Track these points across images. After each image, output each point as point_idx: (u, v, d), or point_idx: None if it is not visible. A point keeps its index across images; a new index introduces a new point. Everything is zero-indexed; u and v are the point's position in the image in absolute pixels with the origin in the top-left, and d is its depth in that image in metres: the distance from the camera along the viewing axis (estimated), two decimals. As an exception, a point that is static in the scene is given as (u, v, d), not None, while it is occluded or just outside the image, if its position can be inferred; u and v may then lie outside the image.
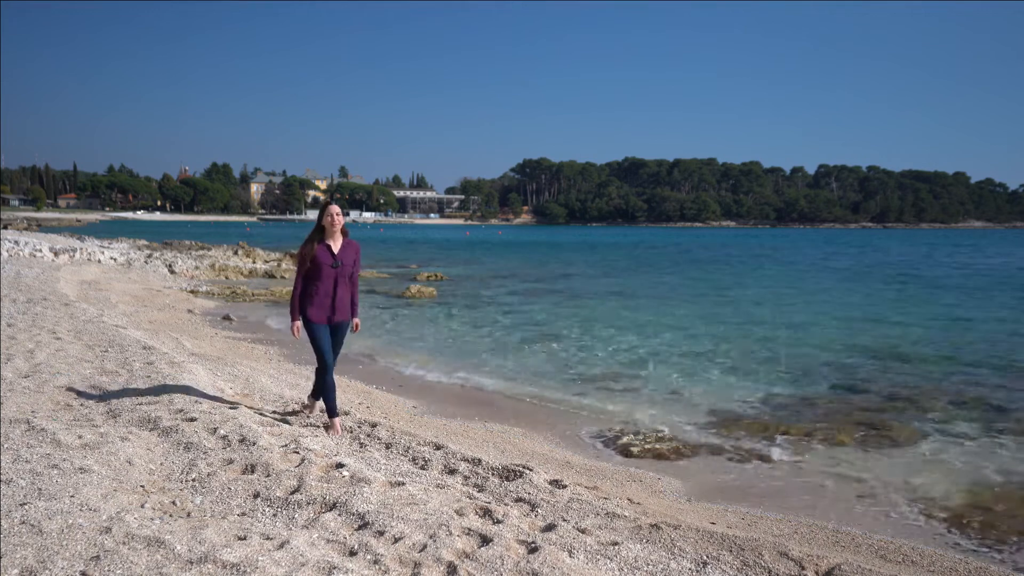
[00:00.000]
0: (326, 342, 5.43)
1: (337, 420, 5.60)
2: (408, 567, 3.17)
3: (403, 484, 4.21)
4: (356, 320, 5.62)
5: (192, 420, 5.30)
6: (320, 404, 5.99)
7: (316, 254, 5.30)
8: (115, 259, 23.74)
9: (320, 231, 5.41)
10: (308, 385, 7.81)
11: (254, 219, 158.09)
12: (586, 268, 32.08)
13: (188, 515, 3.67)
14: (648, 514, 4.20)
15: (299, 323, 5.38)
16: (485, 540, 3.46)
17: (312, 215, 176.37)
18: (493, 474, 4.71)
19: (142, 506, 3.70)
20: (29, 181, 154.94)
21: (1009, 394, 8.52)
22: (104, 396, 6.01)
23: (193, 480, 4.20)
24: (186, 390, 6.29)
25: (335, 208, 5.40)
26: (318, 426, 5.68)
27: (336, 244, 5.40)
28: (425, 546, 3.35)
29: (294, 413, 6.03)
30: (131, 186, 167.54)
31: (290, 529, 3.54)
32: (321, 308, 5.37)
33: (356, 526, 3.59)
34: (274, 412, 6.04)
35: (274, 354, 9.82)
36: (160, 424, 5.18)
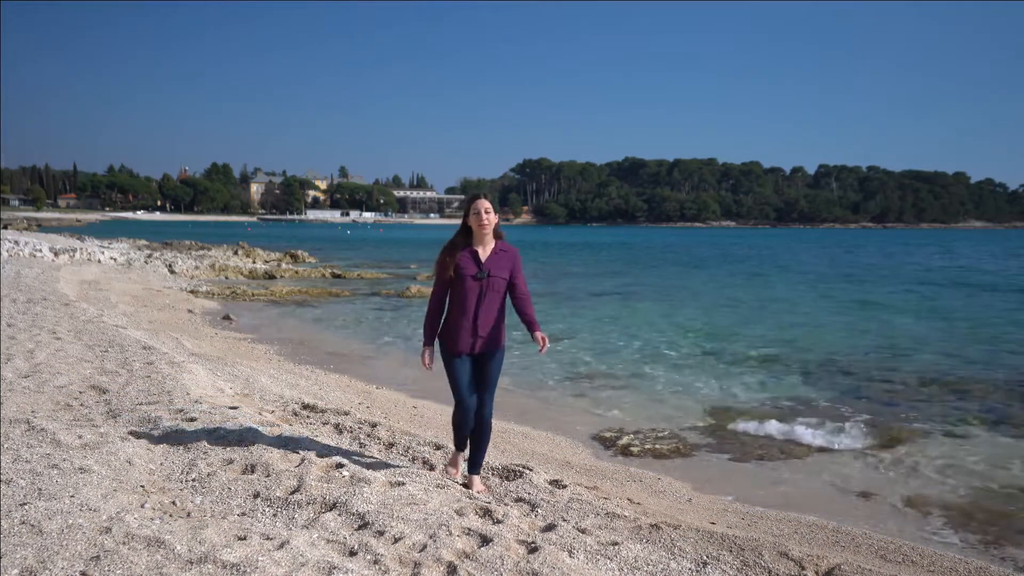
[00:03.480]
0: (464, 378, 4.21)
1: (478, 478, 4.48)
2: (408, 567, 3.17)
3: (403, 484, 4.20)
4: (540, 334, 4.12)
5: (192, 420, 5.30)
6: (480, 484, 4.51)
7: (458, 262, 4.15)
8: (115, 259, 23.74)
9: (465, 233, 4.21)
10: (307, 385, 7.80)
11: (254, 219, 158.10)
12: (585, 268, 32.09)
13: (188, 515, 3.67)
14: (648, 514, 4.20)
15: (430, 350, 4.22)
16: (485, 540, 3.45)
17: (313, 215, 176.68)
18: (493, 474, 4.71)
19: (142, 506, 3.70)
20: (29, 181, 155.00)
21: (1009, 394, 8.52)
22: (104, 396, 6.01)
23: (193, 480, 4.19)
24: (186, 390, 6.28)
25: (484, 203, 4.15)
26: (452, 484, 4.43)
27: (485, 249, 4.19)
28: (425, 546, 3.35)
29: (431, 468, 4.79)
30: (131, 186, 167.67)
31: (290, 529, 3.54)
32: (460, 333, 4.14)
33: (356, 526, 3.59)
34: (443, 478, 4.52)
35: (274, 354, 9.83)
36: (160, 424, 5.18)
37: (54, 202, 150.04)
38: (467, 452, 4.51)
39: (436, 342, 4.27)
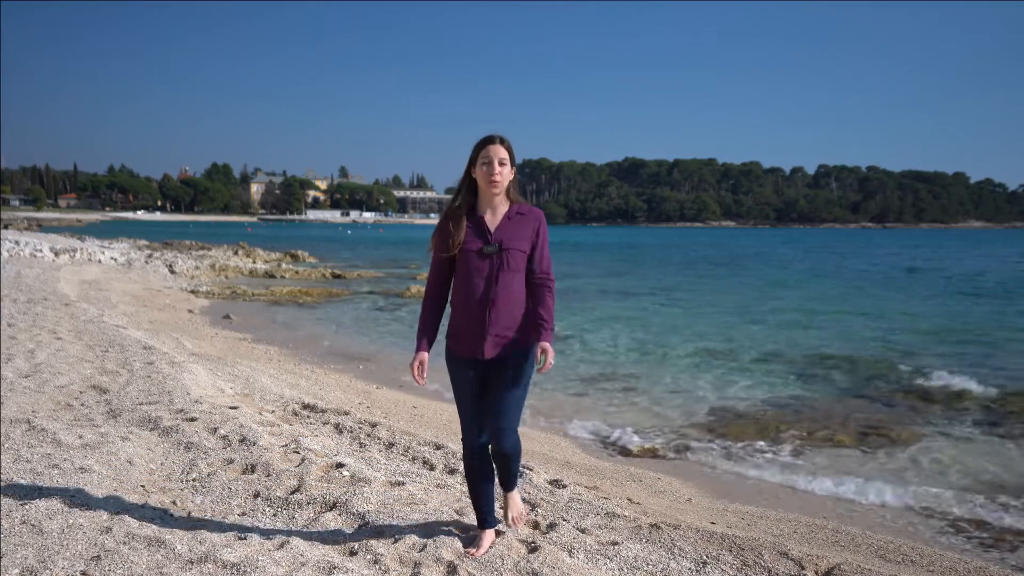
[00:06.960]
0: (468, 402, 3.11)
1: (515, 494, 3.53)
2: (408, 567, 3.18)
3: (403, 484, 4.21)
4: (545, 344, 2.94)
5: (192, 420, 5.30)
6: (517, 503, 3.59)
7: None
8: (115, 259, 23.75)
9: (470, 190, 3.04)
10: (307, 385, 7.79)
11: (254, 219, 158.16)
12: (585, 268, 32.07)
13: (188, 515, 3.68)
14: (648, 514, 4.20)
15: (423, 358, 3.04)
16: (485, 540, 3.45)
17: (313, 215, 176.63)
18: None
19: (143, 506, 3.71)
20: (29, 181, 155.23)
21: (1009, 394, 8.52)
22: (104, 396, 6.01)
23: (193, 480, 4.20)
24: (186, 390, 6.29)
25: (498, 150, 2.94)
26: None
27: (495, 215, 3.03)
28: (425, 546, 3.35)
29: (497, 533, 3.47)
30: (131, 186, 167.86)
31: (290, 529, 3.54)
32: (464, 331, 3.01)
33: (356, 526, 3.60)
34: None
35: (274, 354, 9.82)
36: (160, 424, 5.18)
37: (54, 202, 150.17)
38: (492, 529, 3.37)
39: (438, 345, 3.16)
